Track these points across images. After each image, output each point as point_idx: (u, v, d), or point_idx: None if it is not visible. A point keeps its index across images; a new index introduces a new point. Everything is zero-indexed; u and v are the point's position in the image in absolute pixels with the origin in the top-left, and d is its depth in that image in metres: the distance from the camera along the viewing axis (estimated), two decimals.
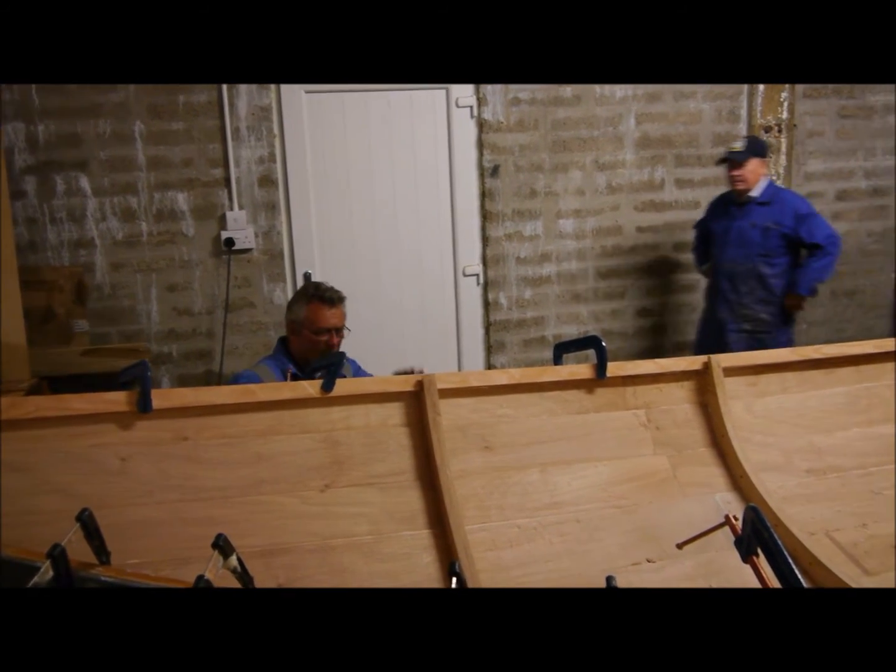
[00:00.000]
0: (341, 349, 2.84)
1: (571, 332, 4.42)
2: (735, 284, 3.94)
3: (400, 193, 4.09)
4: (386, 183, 4.05)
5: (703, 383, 2.30)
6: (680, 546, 1.73)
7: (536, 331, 4.39)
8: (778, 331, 3.90)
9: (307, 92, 3.89)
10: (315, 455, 1.90)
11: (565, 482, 2.04)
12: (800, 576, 1.14)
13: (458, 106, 4.03)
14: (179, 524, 1.72)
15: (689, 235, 4.51)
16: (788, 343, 3.83)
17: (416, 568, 1.75)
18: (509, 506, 1.95)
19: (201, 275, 3.95)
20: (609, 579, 1.21)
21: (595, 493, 2.04)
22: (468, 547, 1.76)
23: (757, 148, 3.87)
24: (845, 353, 2.47)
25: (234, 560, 1.22)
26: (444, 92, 4.01)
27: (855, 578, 1.74)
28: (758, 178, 3.85)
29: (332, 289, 2.85)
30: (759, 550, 1.24)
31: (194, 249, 3.92)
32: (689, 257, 4.54)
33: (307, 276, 4.05)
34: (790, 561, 1.16)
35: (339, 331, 2.81)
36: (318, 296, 2.80)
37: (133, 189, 3.81)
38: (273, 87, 3.86)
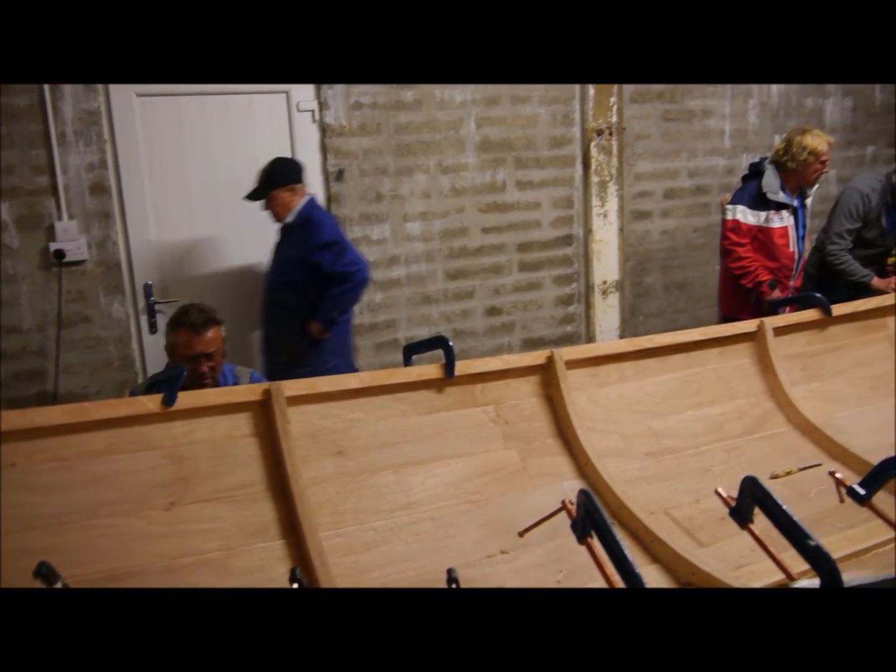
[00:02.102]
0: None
1: (423, 333, 4.46)
2: (270, 314, 3.74)
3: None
4: (228, 189, 3.94)
5: (547, 377, 2.38)
6: (521, 534, 1.79)
7: (388, 334, 4.41)
8: (316, 362, 3.53)
9: (139, 95, 3.72)
10: (158, 472, 1.82)
11: (419, 482, 2.06)
12: (628, 553, 1.20)
13: (299, 110, 3.98)
14: (10, 557, 1.60)
15: (533, 235, 4.68)
16: (333, 370, 3.08)
17: (271, 580, 1.72)
18: (364, 509, 1.94)
19: (29, 289, 3.69)
20: (449, 571, 1.24)
21: (449, 491, 2.07)
22: (323, 554, 1.74)
23: (273, 181, 3.53)
24: (675, 341, 2.63)
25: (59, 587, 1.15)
26: (284, 96, 3.95)
27: (690, 551, 1.85)
28: (287, 206, 3.53)
29: (202, 311, 2.67)
30: (593, 532, 1.31)
31: (20, 262, 3.66)
32: (535, 257, 4.70)
33: (147, 288, 3.88)
34: (618, 539, 1.23)
35: (209, 356, 2.63)
36: (182, 321, 2.64)
37: None
38: (101, 89, 3.67)
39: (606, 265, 4.97)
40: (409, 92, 4.20)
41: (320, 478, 1.96)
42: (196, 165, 3.89)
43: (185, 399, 1.88)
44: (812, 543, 1.25)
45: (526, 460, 2.22)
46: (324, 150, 4.08)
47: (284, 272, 3.59)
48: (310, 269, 3.47)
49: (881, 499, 1.66)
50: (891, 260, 3.94)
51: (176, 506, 1.79)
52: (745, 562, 1.84)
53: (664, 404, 2.53)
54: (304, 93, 3.98)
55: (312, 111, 4.02)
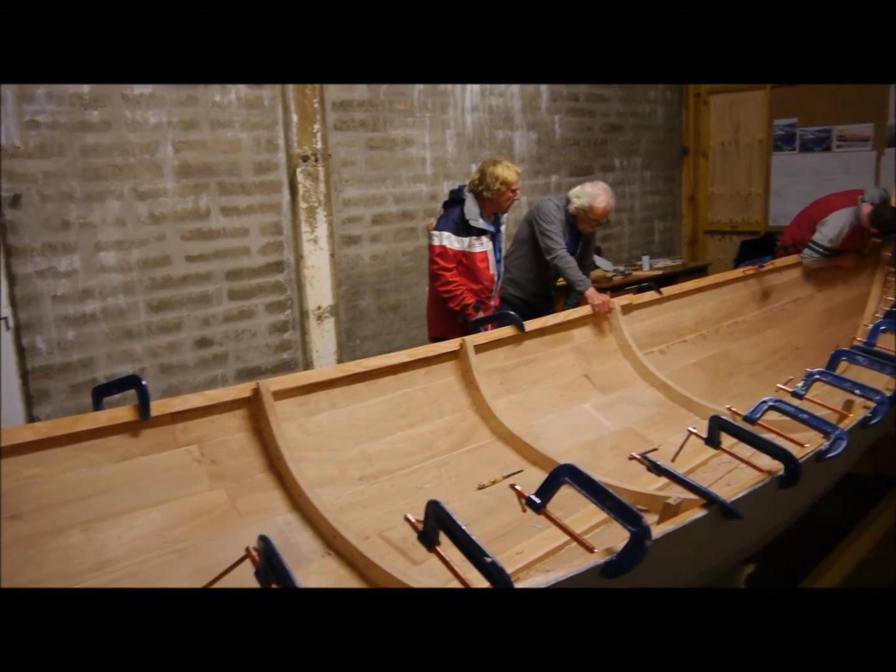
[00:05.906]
0: None
1: (126, 370, 4.11)
2: None
3: None
4: None
5: (255, 410, 2.29)
6: (206, 587, 1.69)
7: (85, 374, 4.01)
8: None
9: None
10: None
11: (114, 537, 1.88)
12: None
13: None
14: None
15: (242, 263, 4.54)
16: None
17: None
18: (47, 577, 1.73)
19: None
20: None
21: (150, 542, 1.91)
22: None
23: None
24: (384, 364, 2.67)
25: None
26: None
27: (404, 571, 1.87)
28: None
29: None
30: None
31: None
32: (246, 284, 4.56)
33: None
34: (297, 585, 1.20)
35: None
36: None
37: None
38: None
39: (320, 290, 4.96)
40: (95, 112, 3.88)
41: None
42: None
43: None
44: (488, 560, 1.30)
45: (235, 499, 2.12)
46: None
47: None
48: None
49: None
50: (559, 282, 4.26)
51: None
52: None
53: (375, 427, 2.55)
54: None
55: None
